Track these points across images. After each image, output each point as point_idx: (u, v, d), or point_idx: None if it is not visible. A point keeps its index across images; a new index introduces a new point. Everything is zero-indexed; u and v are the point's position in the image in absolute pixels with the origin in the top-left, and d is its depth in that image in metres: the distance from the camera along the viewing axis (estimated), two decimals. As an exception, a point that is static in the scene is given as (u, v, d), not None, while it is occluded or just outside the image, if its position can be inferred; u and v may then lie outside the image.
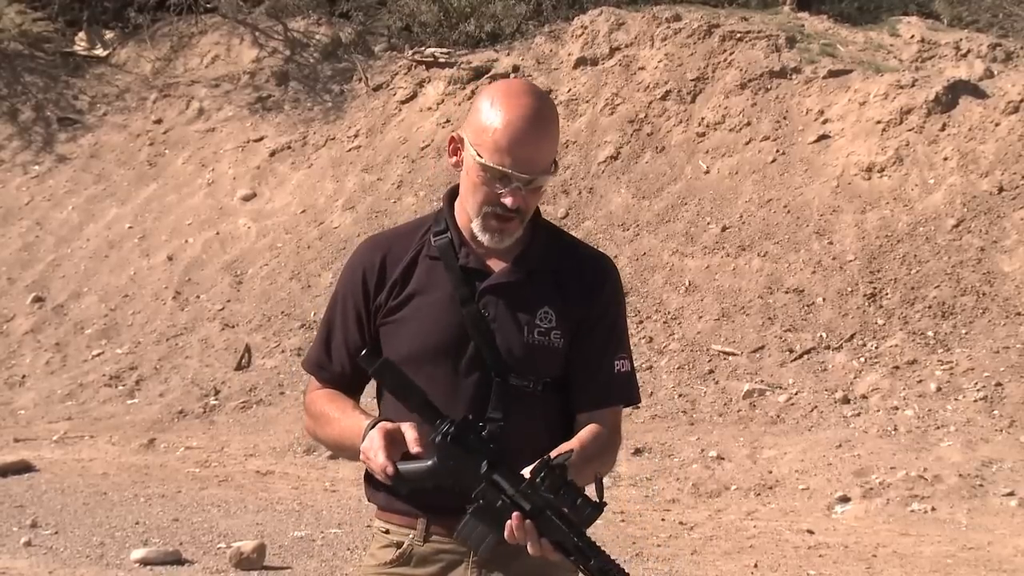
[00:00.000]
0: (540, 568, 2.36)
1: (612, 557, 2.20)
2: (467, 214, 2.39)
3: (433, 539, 2.39)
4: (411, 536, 2.40)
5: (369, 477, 2.47)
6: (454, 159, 2.41)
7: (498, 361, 2.35)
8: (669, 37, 12.36)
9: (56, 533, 6.99)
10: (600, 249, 2.65)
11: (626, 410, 2.55)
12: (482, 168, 2.30)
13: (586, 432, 2.36)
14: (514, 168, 2.28)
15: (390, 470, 2.22)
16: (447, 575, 2.39)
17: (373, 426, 2.28)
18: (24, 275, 12.69)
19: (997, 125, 10.75)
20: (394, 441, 2.25)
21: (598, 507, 2.16)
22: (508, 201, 2.30)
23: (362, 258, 2.47)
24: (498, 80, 2.44)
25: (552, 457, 2.17)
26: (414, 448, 2.23)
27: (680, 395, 9.30)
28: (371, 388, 2.54)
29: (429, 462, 2.23)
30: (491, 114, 2.31)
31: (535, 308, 2.38)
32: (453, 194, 2.46)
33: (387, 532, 2.44)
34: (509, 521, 2.16)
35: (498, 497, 2.19)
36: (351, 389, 2.48)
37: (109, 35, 15.40)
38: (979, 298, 9.62)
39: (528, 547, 2.17)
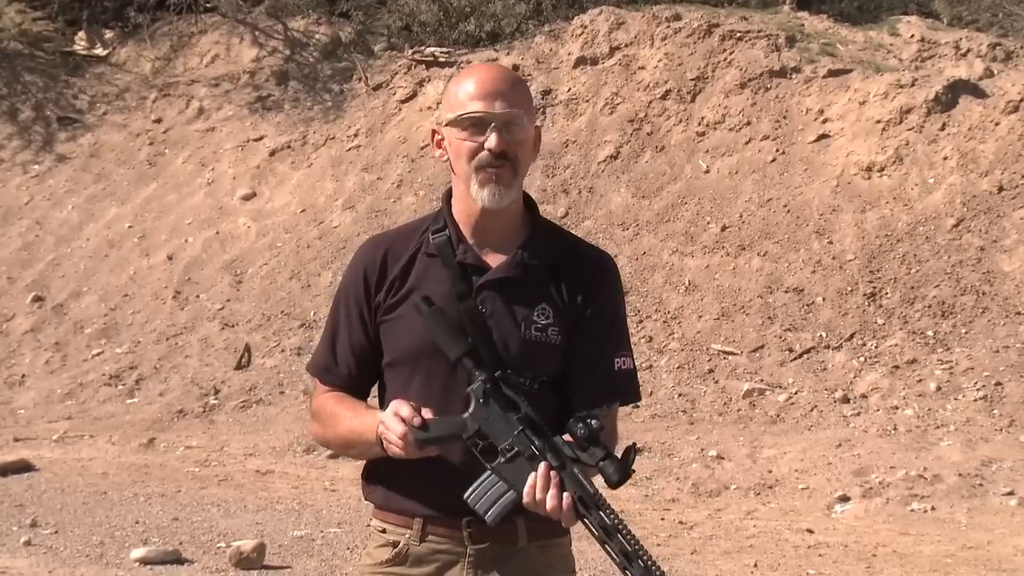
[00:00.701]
0: (538, 570, 2.38)
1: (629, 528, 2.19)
2: (464, 210, 2.40)
3: (429, 539, 2.39)
4: (407, 536, 2.40)
5: (368, 476, 2.47)
6: (439, 151, 2.43)
7: (495, 357, 2.35)
8: (669, 36, 12.36)
9: (56, 532, 6.99)
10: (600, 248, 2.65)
11: (625, 409, 2.55)
12: (456, 124, 2.35)
13: None
14: (486, 108, 2.32)
15: (417, 420, 2.23)
16: (443, 575, 2.39)
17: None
18: (24, 274, 12.69)
19: (997, 124, 10.76)
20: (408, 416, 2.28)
21: (623, 470, 2.15)
22: (491, 142, 2.31)
23: (364, 257, 2.48)
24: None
25: (587, 414, 2.20)
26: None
27: (680, 394, 9.30)
28: (374, 390, 2.54)
29: (464, 415, 2.26)
30: (457, 83, 2.39)
31: (533, 304, 2.38)
32: (451, 193, 2.46)
33: (384, 531, 2.44)
34: (532, 474, 2.17)
35: (528, 448, 2.20)
36: (358, 391, 2.48)
37: (109, 34, 15.40)
38: (979, 297, 9.62)
39: (548, 500, 2.16)
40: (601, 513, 2.16)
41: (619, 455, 2.18)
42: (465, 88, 2.34)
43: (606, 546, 2.16)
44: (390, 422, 2.25)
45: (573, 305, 2.40)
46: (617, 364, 2.42)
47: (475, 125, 2.33)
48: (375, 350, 2.44)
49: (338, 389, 2.47)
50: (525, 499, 2.19)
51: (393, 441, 2.25)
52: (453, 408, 2.31)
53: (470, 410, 2.26)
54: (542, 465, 2.17)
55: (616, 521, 2.16)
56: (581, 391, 2.40)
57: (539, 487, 2.17)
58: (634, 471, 2.18)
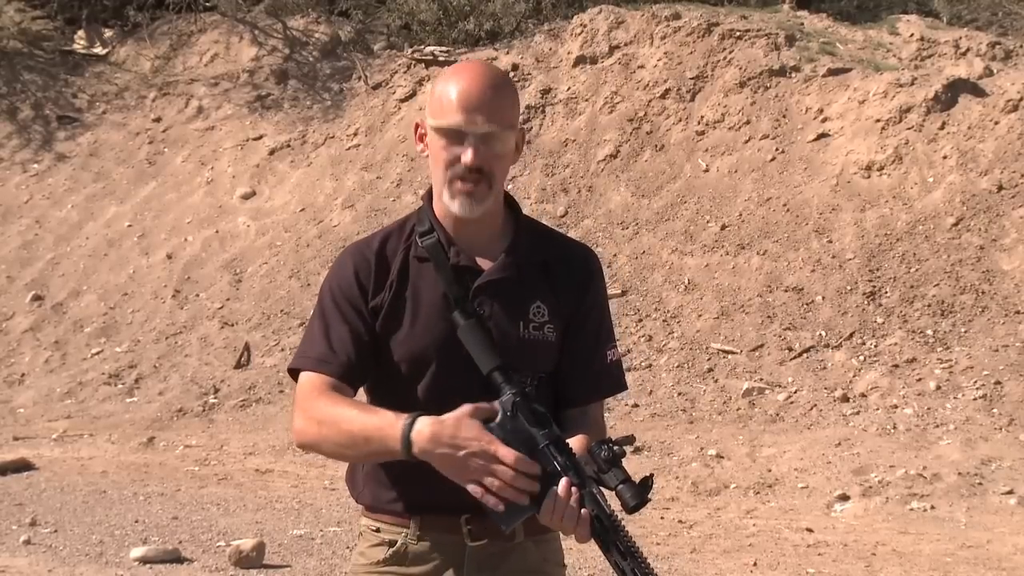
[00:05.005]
0: (534, 565, 2.39)
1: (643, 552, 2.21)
2: (446, 212, 2.38)
3: (428, 536, 2.38)
4: (405, 534, 2.39)
5: (353, 476, 2.46)
6: (421, 146, 2.42)
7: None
8: (668, 35, 12.36)
9: (55, 531, 6.99)
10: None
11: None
12: (437, 131, 2.34)
13: (590, 434, 2.35)
14: (466, 123, 2.30)
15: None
16: (441, 573, 2.38)
17: (414, 420, 2.21)
18: (23, 273, 12.69)
19: (996, 123, 10.75)
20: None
21: (640, 495, 2.17)
22: (467, 157, 2.30)
23: (354, 261, 2.43)
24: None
25: (612, 439, 2.22)
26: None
27: (679, 393, 9.30)
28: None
29: (491, 424, 2.25)
30: (443, 85, 2.36)
31: (528, 303, 2.39)
32: (432, 192, 2.45)
33: (377, 531, 2.43)
34: (552, 489, 2.18)
35: (551, 463, 2.22)
36: (356, 380, 2.39)
37: (108, 33, 15.41)
38: (978, 296, 9.62)
39: (564, 516, 2.17)
40: (617, 535, 2.19)
41: (638, 482, 2.20)
42: (448, 95, 2.32)
43: (619, 566, 2.18)
44: (500, 469, 2.17)
45: (566, 302, 2.41)
46: (609, 357, 2.46)
47: (454, 136, 2.32)
48: (372, 344, 2.38)
49: (335, 378, 2.35)
50: (543, 512, 2.20)
51: (500, 488, 2.17)
52: (453, 409, 2.30)
53: (496, 421, 2.26)
54: (563, 481, 2.19)
55: (631, 545, 2.19)
56: (578, 385, 2.42)
57: (558, 502, 2.18)
58: (651, 499, 2.20)
